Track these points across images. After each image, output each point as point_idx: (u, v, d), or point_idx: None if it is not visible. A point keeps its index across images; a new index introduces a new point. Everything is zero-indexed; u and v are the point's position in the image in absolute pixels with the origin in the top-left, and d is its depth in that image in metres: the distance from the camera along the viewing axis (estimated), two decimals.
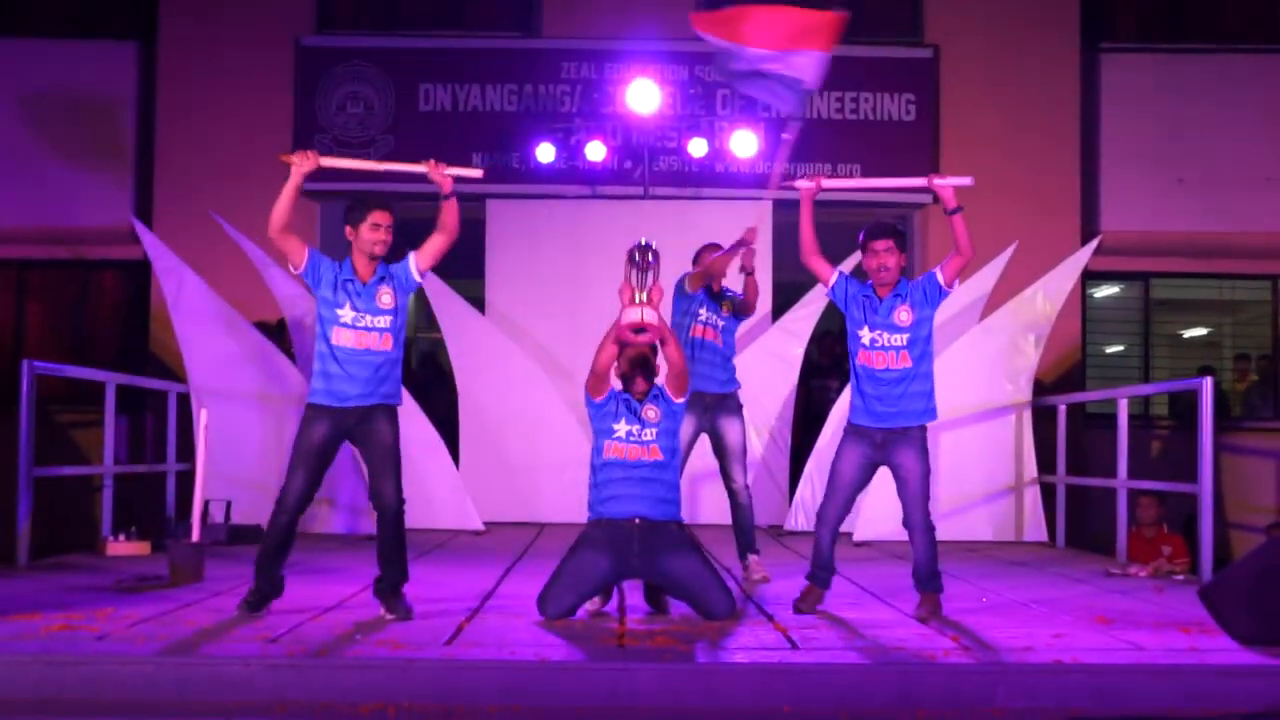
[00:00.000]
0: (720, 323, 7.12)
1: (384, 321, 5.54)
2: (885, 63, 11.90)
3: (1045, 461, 9.79)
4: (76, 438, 11.22)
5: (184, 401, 9.71)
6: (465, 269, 11.17)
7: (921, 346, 5.78)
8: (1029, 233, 10.67)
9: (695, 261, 7.30)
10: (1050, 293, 9.80)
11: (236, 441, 9.27)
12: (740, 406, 7.16)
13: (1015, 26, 11.98)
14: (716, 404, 7.03)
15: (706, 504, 9.74)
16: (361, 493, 8.20)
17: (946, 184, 5.81)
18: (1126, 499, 8.70)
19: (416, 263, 5.63)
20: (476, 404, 10.77)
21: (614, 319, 5.69)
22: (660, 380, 5.80)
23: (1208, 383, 7.58)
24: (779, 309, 10.76)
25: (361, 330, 5.51)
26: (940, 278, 5.79)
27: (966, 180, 5.87)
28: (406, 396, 9.71)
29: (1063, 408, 9.69)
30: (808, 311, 10.59)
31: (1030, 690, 4.51)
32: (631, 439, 5.64)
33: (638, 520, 5.55)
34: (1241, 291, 12.82)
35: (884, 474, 5.88)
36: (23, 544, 7.54)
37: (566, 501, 9.60)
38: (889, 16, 12.22)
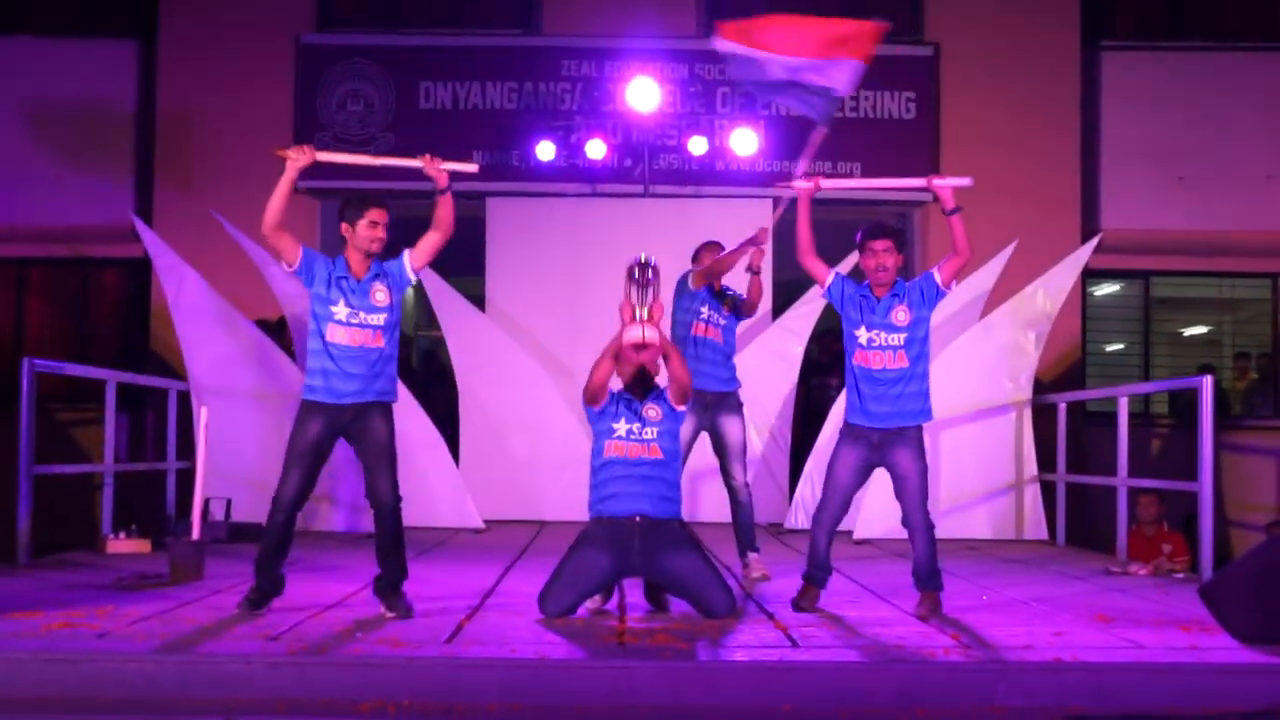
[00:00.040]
0: (722, 321, 7.13)
1: (378, 319, 5.53)
2: (885, 60, 11.71)
3: (1045, 460, 9.79)
4: (77, 436, 11.22)
5: (184, 399, 9.72)
6: (466, 267, 11.19)
7: (919, 347, 5.78)
8: (1029, 231, 10.67)
9: (695, 259, 7.30)
10: (1050, 291, 9.80)
11: (237, 439, 9.28)
12: (741, 405, 7.17)
13: (1016, 24, 11.97)
14: (717, 402, 7.03)
15: (707, 502, 9.74)
16: (362, 490, 8.20)
17: (945, 185, 5.82)
18: (1126, 497, 8.70)
19: (411, 260, 5.63)
20: (477, 402, 10.77)
21: (613, 329, 5.68)
22: (661, 383, 5.80)
23: (1208, 381, 7.58)
24: (779, 307, 10.76)
25: (356, 327, 5.51)
26: (938, 278, 5.79)
27: (965, 181, 5.88)
28: (406, 394, 9.82)
29: (1063, 406, 9.69)
30: (808, 310, 10.59)
31: (1030, 688, 4.51)
32: (632, 437, 5.64)
33: (638, 518, 5.55)
34: (1242, 289, 12.81)
35: (884, 471, 5.88)
36: (23, 542, 7.54)
37: (567, 499, 9.61)
38: (889, 14, 12.18)
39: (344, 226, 5.54)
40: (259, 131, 11.27)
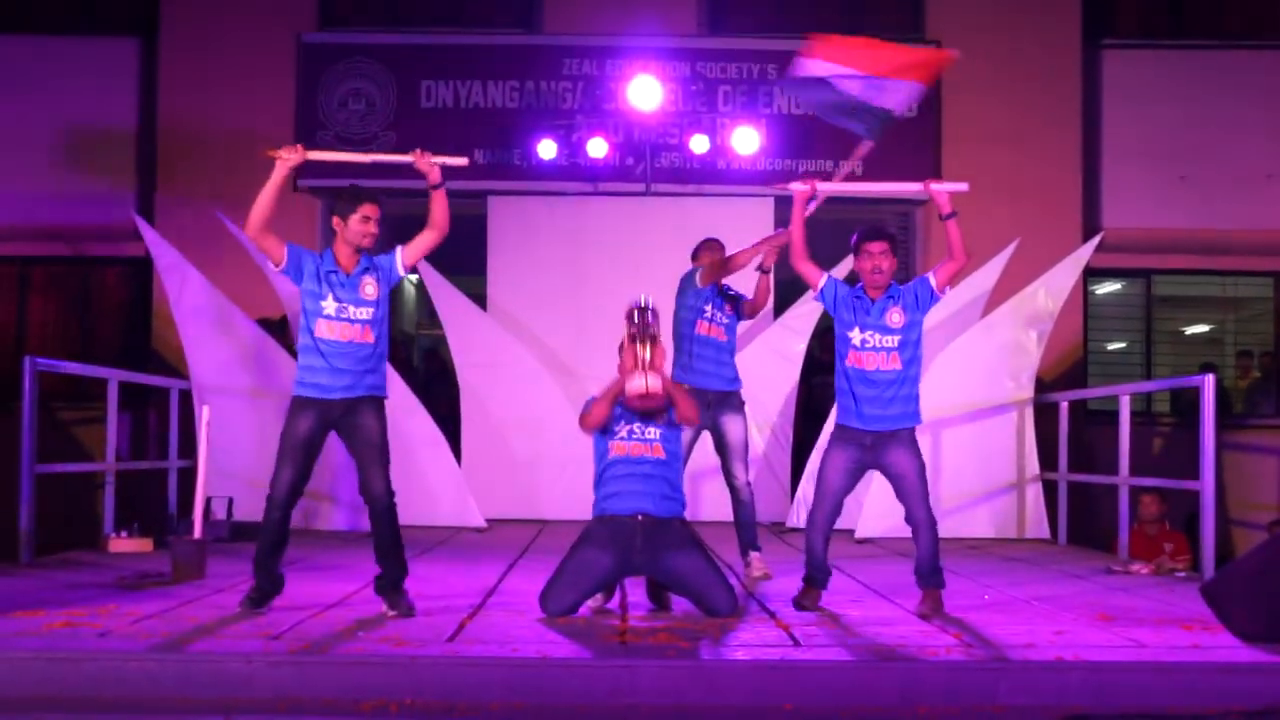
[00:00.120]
0: (725, 320, 7.13)
1: (366, 313, 5.52)
2: None
3: (1047, 459, 9.79)
4: (79, 434, 11.22)
5: (186, 398, 9.72)
6: (467, 266, 11.19)
7: (912, 350, 5.79)
8: (1030, 229, 10.66)
9: (694, 257, 7.29)
10: (1052, 289, 9.80)
11: (239, 438, 9.29)
12: (743, 404, 7.16)
13: (1017, 22, 11.96)
14: (719, 401, 7.03)
15: (708, 501, 9.75)
16: None
17: (942, 190, 5.85)
18: (1128, 496, 8.70)
19: (403, 256, 5.63)
20: (478, 401, 10.78)
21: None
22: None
23: (1209, 380, 7.58)
24: (780, 306, 10.76)
25: (345, 322, 5.50)
26: (933, 282, 5.80)
27: (962, 186, 5.91)
28: (408, 393, 9.86)
29: (1064, 404, 9.69)
30: (810, 308, 10.58)
31: (1032, 687, 4.51)
32: (634, 437, 5.64)
33: (640, 517, 5.55)
34: (1244, 288, 12.80)
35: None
36: (25, 541, 7.54)
37: (569, 498, 9.63)
38: (890, 12, 12.21)
39: (335, 220, 5.54)
40: (260, 130, 11.25)
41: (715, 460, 7.20)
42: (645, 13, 11.56)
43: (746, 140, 11.10)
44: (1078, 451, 9.98)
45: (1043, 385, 10.46)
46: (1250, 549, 5.92)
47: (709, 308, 7.05)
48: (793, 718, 4.35)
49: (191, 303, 9.74)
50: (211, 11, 11.88)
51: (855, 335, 5.78)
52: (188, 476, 8.65)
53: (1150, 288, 12.40)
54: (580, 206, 11.46)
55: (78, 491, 10.41)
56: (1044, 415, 9.94)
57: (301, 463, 5.54)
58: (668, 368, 5.89)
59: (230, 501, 8.89)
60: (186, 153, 11.67)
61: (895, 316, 5.76)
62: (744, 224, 10.11)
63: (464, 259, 10.96)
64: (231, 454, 9.12)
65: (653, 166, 11.54)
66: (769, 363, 10.39)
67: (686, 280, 7.12)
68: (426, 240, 5.62)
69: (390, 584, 5.57)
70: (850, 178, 7.00)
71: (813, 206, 6.41)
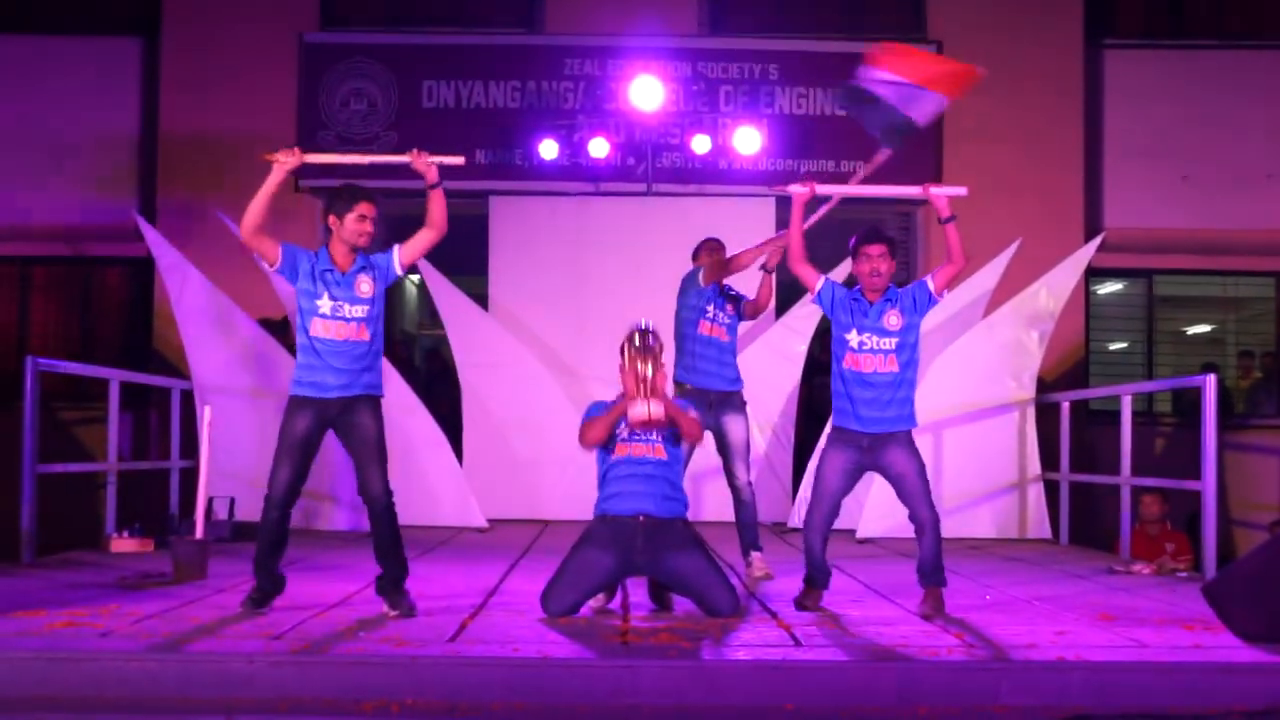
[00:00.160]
0: (727, 320, 7.13)
1: (361, 311, 5.52)
2: None
3: (1048, 459, 9.79)
4: (80, 434, 11.22)
5: (187, 398, 9.72)
6: (469, 266, 11.20)
7: (909, 353, 5.79)
8: (1032, 229, 10.66)
9: (694, 257, 7.29)
10: (1054, 289, 9.80)
11: (240, 438, 9.28)
12: (744, 404, 7.16)
13: (1019, 22, 11.95)
14: (721, 401, 7.02)
15: (709, 501, 9.75)
16: None
17: (941, 193, 5.86)
18: (1130, 496, 8.70)
19: (400, 256, 5.63)
20: (480, 401, 10.78)
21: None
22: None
23: (1211, 380, 7.58)
24: (782, 306, 10.76)
25: (340, 321, 5.50)
26: (931, 286, 5.81)
27: (960, 190, 5.91)
28: (410, 393, 9.86)
29: (1066, 404, 9.68)
30: (811, 309, 10.54)
31: (1033, 687, 4.50)
32: (635, 437, 5.64)
33: (642, 517, 5.55)
34: (1245, 288, 12.80)
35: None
36: (27, 541, 7.54)
37: (570, 498, 9.63)
38: (891, 12, 12.20)
39: (331, 219, 5.53)
40: (262, 130, 11.26)
41: (717, 460, 7.20)
42: (646, 13, 11.56)
43: (748, 140, 11.10)
44: (1079, 451, 9.98)
45: (1044, 385, 10.46)
46: (1252, 549, 5.92)
47: (711, 308, 7.05)
48: (794, 718, 4.35)
49: (193, 302, 9.74)
50: (213, 11, 11.88)
51: (852, 337, 5.78)
52: (189, 476, 8.65)
53: (1152, 288, 12.40)
54: (581, 206, 11.46)
55: (79, 492, 10.41)
56: (1045, 415, 9.93)
57: (299, 462, 5.54)
58: (670, 367, 5.88)
59: (232, 502, 8.89)
60: (188, 152, 11.67)
61: (893, 319, 5.76)
62: (745, 224, 10.11)
63: (465, 259, 10.96)
64: (233, 454, 9.13)
65: (654, 166, 11.54)
66: (770, 363, 10.38)
67: (689, 280, 7.11)
68: (424, 239, 5.61)
69: (391, 583, 5.57)
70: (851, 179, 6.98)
71: (823, 210, 6.40)
